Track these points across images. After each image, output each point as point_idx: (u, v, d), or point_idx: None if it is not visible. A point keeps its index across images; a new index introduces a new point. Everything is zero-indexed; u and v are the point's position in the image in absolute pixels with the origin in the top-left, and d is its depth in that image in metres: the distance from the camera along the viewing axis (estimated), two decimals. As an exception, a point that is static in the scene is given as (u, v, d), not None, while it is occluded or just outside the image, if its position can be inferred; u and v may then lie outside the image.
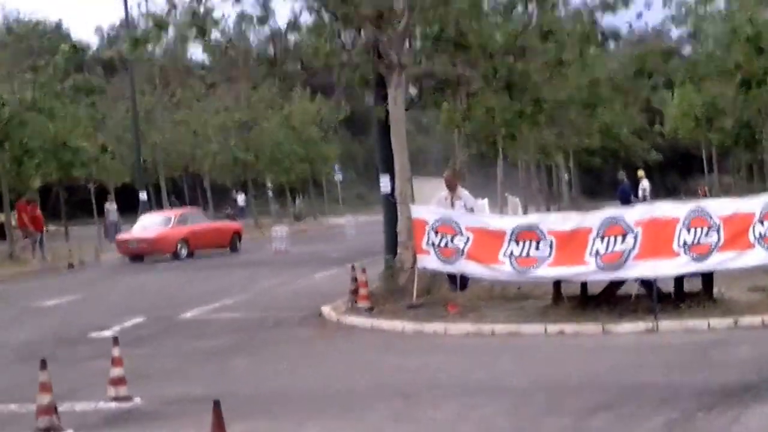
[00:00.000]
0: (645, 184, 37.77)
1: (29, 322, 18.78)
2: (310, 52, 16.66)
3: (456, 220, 16.20)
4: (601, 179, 72.03)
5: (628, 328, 13.80)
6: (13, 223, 34.34)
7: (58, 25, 68.50)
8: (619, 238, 14.49)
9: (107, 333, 16.68)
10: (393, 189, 18.02)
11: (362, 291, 16.52)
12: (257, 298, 21.08)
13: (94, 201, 45.85)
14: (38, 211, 34.96)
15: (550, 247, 15.07)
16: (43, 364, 9.64)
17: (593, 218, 15.09)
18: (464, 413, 9.63)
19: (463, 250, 15.93)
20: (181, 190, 64.45)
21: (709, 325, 13.58)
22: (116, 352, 10.85)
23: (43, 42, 35.58)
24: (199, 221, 37.33)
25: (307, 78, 18.24)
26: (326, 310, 17.29)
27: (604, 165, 57.13)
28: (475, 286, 17.38)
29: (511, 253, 15.36)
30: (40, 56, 33.85)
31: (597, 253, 14.59)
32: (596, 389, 10.31)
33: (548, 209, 45.04)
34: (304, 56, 16.75)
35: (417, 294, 16.31)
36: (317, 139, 58.53)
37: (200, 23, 16.42)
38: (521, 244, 15.32)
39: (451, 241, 16.07)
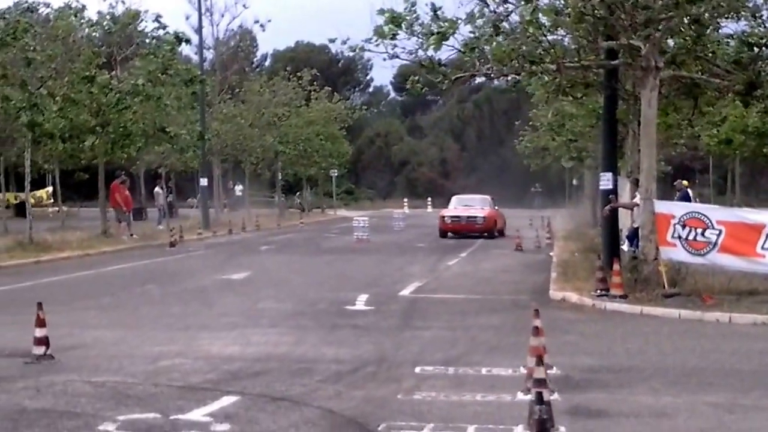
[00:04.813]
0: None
1: (253, 294, 18.56)
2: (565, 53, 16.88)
3: (706, 214, 16.48)
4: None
5: None
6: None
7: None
8: None
9: (360, 306, 16.78)
10: (615, 186, 18.26)
11: (615, 279, 16.69)
12: (442, 282, 21.14)
13: (164, 185, 45.24)
14: (127, 192, 34.59)
15: None
16: (536, 331, 9.68)
17: None
18: None
19: (715, 243, 16.19)
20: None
21: None
22: (538, 322, 10.81)
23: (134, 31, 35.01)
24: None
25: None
26: (565, 294, 17.47)
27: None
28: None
29: (771, 247, 15.62)
30: (140, 45, 33.48)
31: None
32: None
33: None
34: (566, 56, 16.97)
35: (667, 284, 16.51)
36: (338, 135, 58.87)
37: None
38: None
39: (702, 234, 16.33)
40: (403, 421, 8.45)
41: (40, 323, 11.01)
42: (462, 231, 36.42)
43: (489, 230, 36.57)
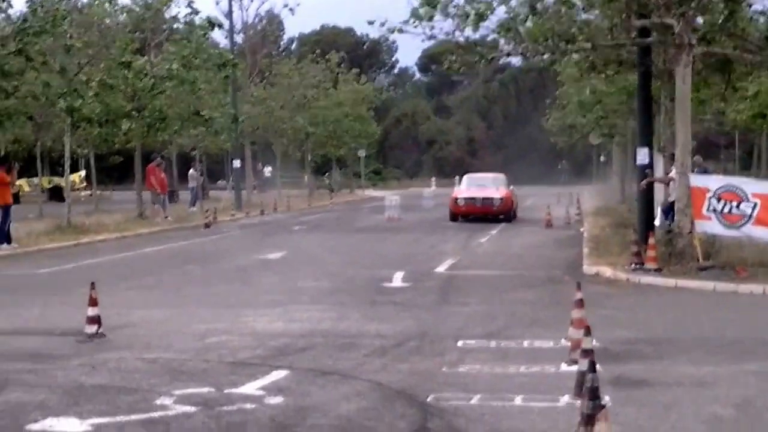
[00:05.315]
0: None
1: (291, 273, 18.73)
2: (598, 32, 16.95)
3: (742, 187, 16.51)
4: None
5: None
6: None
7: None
8: None
9: (397, 283, 16.92)
10: (651, 161, 18.30)
11: (650, 253, 16.76)
12: (475, 259, 21.26)
13: (199, 166, 45.64)
14: (164, 174, 34.89)
15: None
16: (580, 303, 9.78)
17: None
18: None
19: (750, 216, 16.23)
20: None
21: None
22: (580, 295, 10.84)
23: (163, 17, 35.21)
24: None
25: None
26: (599, 269, 17.56)
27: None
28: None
29: (806, 218, 15.65)
30: (172, 31, 33.72)
31: None
32: None
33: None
34: (599, 35, 17.07)
35: (701, 257, 16.56)
36: (366, 117, 59.11)
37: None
38: None
39: (737, 207, 16.37)
40: (451, 393, 8.57)
41: (93, 302, 11.20)
42: (476, 214, 32.63)
43: (506, 212, 32.89)
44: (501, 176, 36.07)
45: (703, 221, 16.69)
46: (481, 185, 34.52)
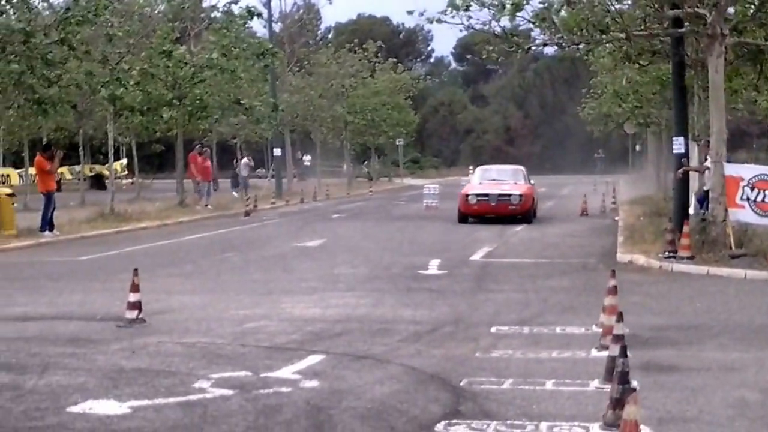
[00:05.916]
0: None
1: (329, 260, 18.85)
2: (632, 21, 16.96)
3: (775, 176, 16.44)
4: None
5: None
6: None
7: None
8: None
9: (432, 270, 16.98)
10: (687, 150, 18.27)
11: (684, 241, 16.73)
12: (510, 247, 21.30)
13: (239, 154, 46.03)
14: (208, 162, 35.19)
15: None
16: (614, 290, 9.82)
17: None
18: None
19: (783, 205, 16.16)
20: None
21: None
22: (614, 282, 10.81)
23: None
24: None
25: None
26: (633, 257, 17.56)
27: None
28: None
29: (838, 207, 15.58)
30: (213, 20, 33.99)
31: None
32: None
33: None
34: (633, 24, 17.10)
35: (734, 245, 16.52)
36: (404, 105, 59.22)
37: None
38: None
39: (770, 196, 16.31)
40: (483, 377, 8.63)
41: (135, 288, 11.35)
42: (490, 214, 27.36)
43: (525, 212, 27.45)
44: (521, 168, 30.81)
45: (737, 210, 16.65)
46: (497, 180, 29.30)
